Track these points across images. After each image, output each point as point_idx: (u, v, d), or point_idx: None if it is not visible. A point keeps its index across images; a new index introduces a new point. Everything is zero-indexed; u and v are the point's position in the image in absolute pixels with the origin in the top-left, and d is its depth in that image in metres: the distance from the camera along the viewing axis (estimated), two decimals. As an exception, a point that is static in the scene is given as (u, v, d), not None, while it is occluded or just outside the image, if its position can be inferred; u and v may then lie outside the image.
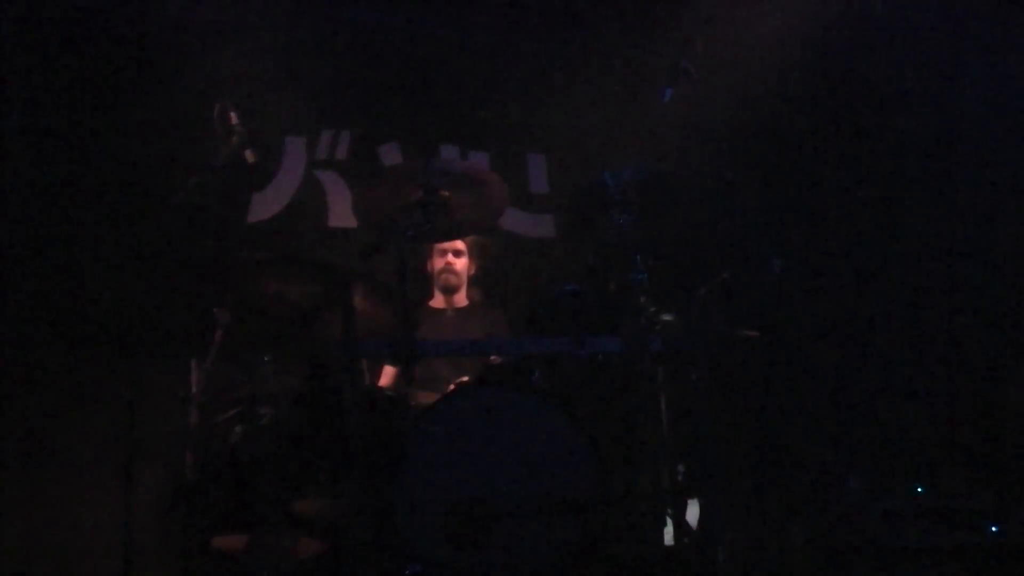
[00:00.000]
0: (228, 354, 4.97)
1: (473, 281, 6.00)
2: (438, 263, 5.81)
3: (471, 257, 5.90)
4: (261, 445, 4.66)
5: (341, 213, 6.53)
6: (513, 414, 4.23)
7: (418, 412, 4.22)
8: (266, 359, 4.93)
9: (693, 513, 4.66)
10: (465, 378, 5.09)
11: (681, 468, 4.78)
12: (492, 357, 5.01)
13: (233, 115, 5.09)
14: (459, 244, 5.81)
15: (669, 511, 4.50)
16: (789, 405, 5.83)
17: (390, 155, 6.78)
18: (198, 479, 4.75)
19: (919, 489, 5.39)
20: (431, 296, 5.98)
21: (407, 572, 4.02)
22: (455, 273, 5.82)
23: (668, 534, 4.50)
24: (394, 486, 4.09)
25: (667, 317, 4.79)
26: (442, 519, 4.08)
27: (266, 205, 6.52)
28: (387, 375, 5.76)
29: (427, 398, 4.77)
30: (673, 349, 4.68)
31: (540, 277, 6.33)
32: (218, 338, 5.02)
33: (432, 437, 4.15)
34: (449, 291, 5.85)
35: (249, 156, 5.09)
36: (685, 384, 4.80)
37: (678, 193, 5.09)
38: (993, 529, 4.87)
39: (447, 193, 4.69)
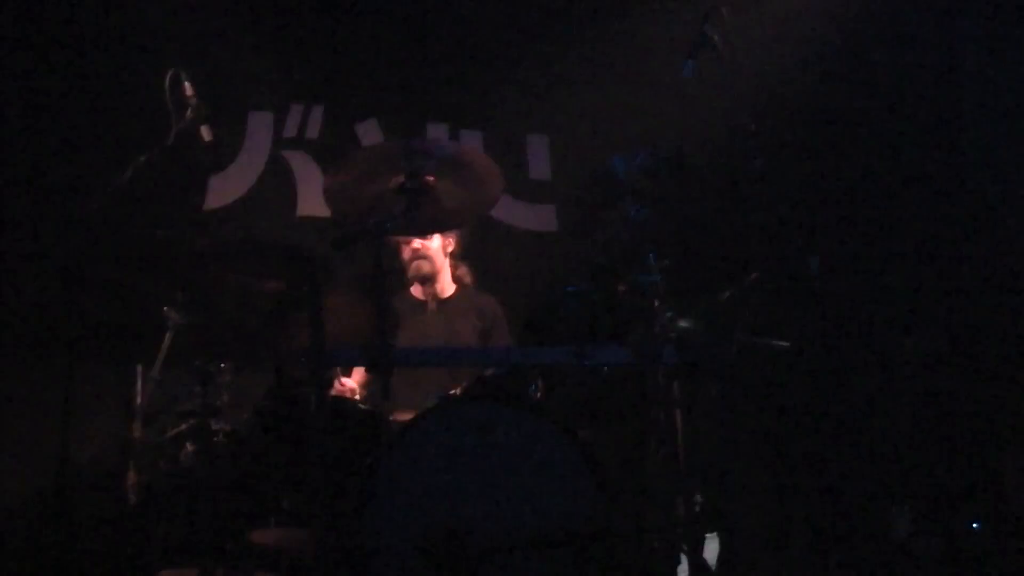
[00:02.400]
0: (179, 360, 4.98)
1: (458, 262, 5.96)
2: (406, 250, 5.78)
3: (445, 234, 5.86)
4: (215, 465, 4.66)
5: (311, 199, 6.54)
6: (504, 433, 4.21)
7: (394, 429, 4.19)
8: (222, 366, 4.92)
9: (712, 550, 4.64)
10: (454, 390, 5.08)
11: (699, 498, 4.77)
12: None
13: (188, 85, 5.06)
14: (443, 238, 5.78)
15: (684, 547, 4.48)
16: (825, 427, 5.83)
17: (369, 134, 6.80)
18: (142, 503, 4.75)
19: (975, 525, 5.39)
20: (405, 286, 5.93)
21: None
22: (427, 258, 5.80)
23: (683, 573, 4.47)
24: (363, 515, 4.07)
25: (685, 324, 4.78)
26: (419, 554, 4.06)
27: (226, 189, 6.53)
28: (358, 373, 5.76)
29: (406, 412, 4.75)
30: (690, 361, 4.67)
31: (539, 276, 6.30)
32: (167, 341, 5.03)
33: (409, 458, 4.12)
34: (425, 280, 5.82)
35: (205, 133, 5.08)
36: (705, 401, 4.80)
37: (699, 183, 5.08)
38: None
39: (432, 179, 4.66)
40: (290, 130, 6.70)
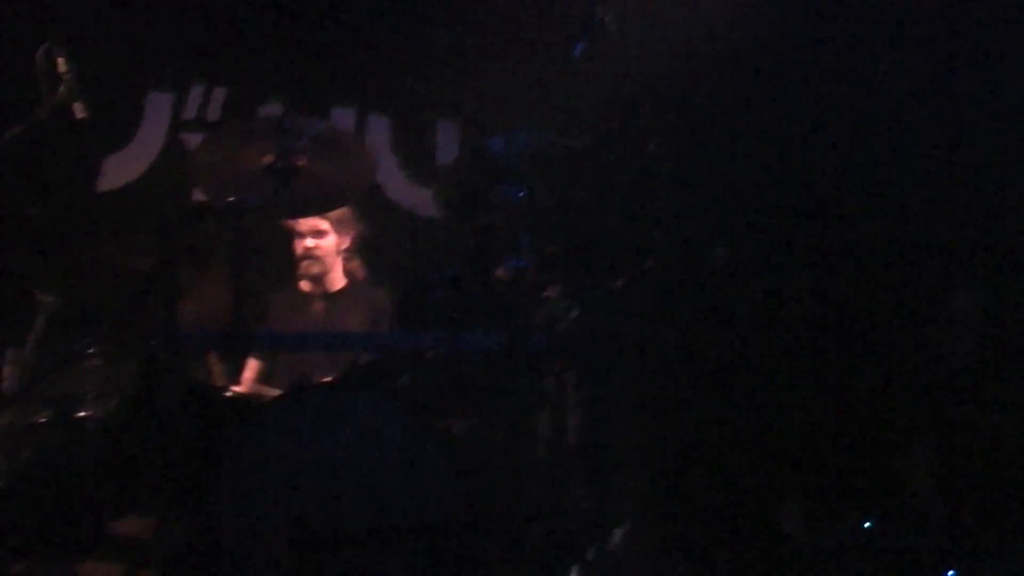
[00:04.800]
0: (49, 345, 4.86)
1: (350, 256, 5.84)
2: (298, 246, 5.65)
3: (340, 232, 5.73)
4: (79, 454, 4.56)
5: (209, 184, 6.37)
6: (364, 422, 4.11)
7: (245, 417, 4.07)
8: (91, 351, 4.79)
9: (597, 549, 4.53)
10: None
11: (583, 493, 4.66)
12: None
13: (61, 60, 4.92)
14: (320, 223, 5.64)
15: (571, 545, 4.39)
16: (719, 420, 5.73)
17: (273, 117, 6.62)
18: (2, 491, 4.62)
19: (867, 524, 5.29)
20: (295, 281, 5.81)
21: None
22: (316, 259, 5.66)
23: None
24: (214, 504, 3.95)
25: (563, 312, 4.67)
26: (273, 546, 3.95)
27: (120, 171, 6.38)
28: (251, 369, 5.64)
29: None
30: (565, 351, 4.56)
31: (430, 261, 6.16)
32: (39, 325, 4.89)
33: (258, 447, 4.00)
34: (314, 279, 5.69)
35: (79, 110, 4.93)
36: (590, 393, 4.70)
37: (585, 167, 4.96)
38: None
39: (303, 160, 4.55)
40: (190, 112, 6.53)
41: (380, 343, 4.54)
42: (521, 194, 4.72)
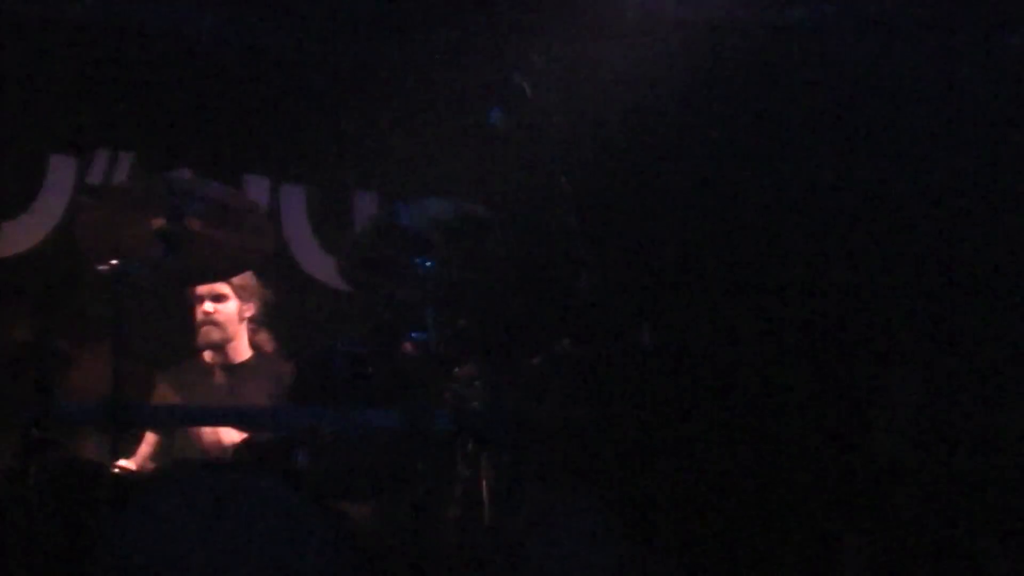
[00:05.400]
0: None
1: (257, 327, 5.55)
2: (198, 311, 5.36)
3: (243, 298, 5.45)
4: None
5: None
6: (252, 506, 3.84)
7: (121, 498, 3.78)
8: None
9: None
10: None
11: None
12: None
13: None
14: (220, 287, 5.37)
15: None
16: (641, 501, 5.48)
17: (182, 185, 6.35)
18: None
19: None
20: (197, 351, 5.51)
21: None
22: (216, 324, 5.37)
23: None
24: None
25: (468, 390, 4.43)
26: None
27: (19, 236, 6.07)
28: (148, 444, 5.34)
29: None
30: (474, 430, 4.31)
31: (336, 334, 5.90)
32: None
33: (134, 532, 3.71)
34: (214, 347, 5.40)
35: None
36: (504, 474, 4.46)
37: (498, 238, 4.74)
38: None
39: (198, 224, 4.30)
40: (96, 176, 6.26)
41: (277, 419, 4.24)
42: (428, 264, 4.48)
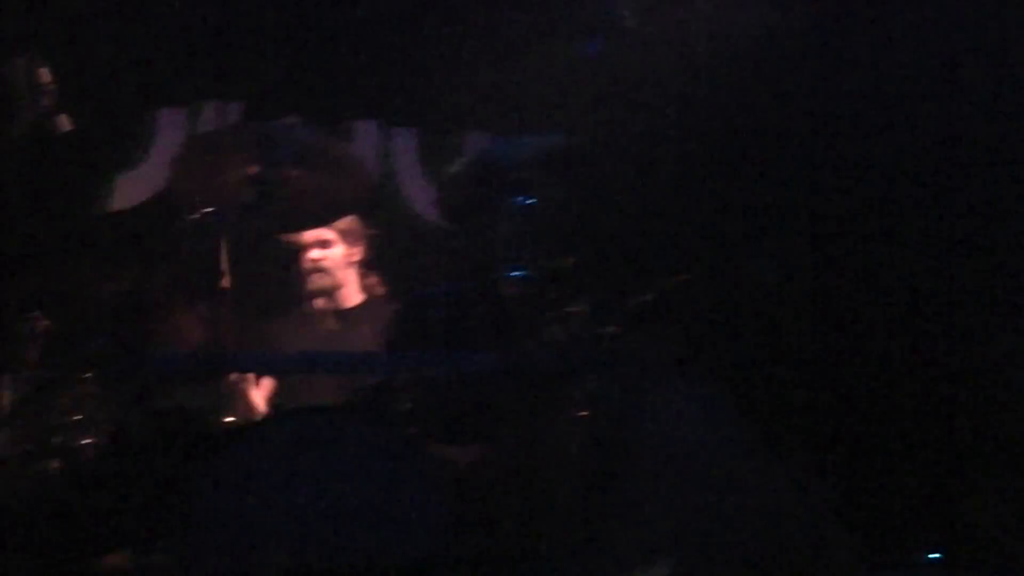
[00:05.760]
0: (43, 369, 4.55)
1: (366, 268, 5.49)
2: (304, 259, 5.31)
3: (349, 243, 5.37)
4: (75, 483, 4.29)
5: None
6: (348, 450, 3.80)
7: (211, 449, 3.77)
8: (85, 376, 4.51)
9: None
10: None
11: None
12: None
13: (43, 72, 4.66)
14: (324, 233, 5.27)
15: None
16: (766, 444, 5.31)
17: (290, 131, 6.34)
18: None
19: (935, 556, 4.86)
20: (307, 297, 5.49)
21: None
22: (324, 271, 5.31)
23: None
24: (180, 544, 3.66)
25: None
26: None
27: (131, 190, 6.10)
28: (262, 393, 5.32)
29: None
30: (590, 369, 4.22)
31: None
32: (33, 349, 4.59)
33: (233, 479, 3.70)
34: (324, 293, 5.36)
35: (63, 123, 4.66)
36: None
37: (601, 172, 4.63)
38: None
39: (292, 172, 4.27)
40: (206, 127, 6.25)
41: (376, 364, 4.19)
42: (528, 201, 4.38)
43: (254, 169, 4.25)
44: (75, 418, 4.41)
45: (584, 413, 4.32)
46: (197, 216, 4.10)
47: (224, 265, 4.12)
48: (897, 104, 5.58)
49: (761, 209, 5.68)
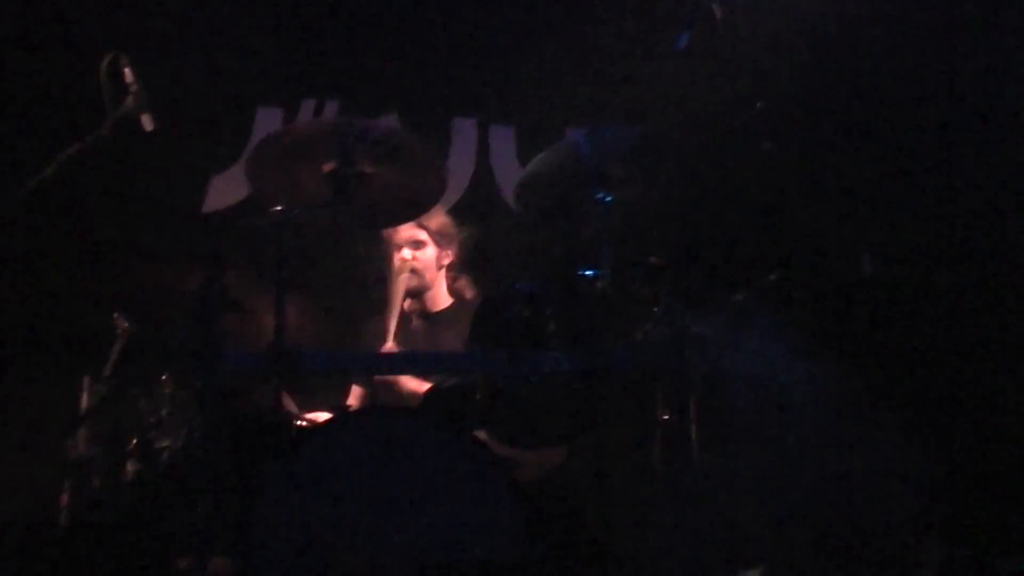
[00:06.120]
0: (125, 371, 4.56)
1: (456, 271, 5.42)
2: (396, 259, 5.25)
3: (441, 245, 5.31)
4: (157, 489, 4.28)
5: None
6: (421, 451, 3.75)
7: (279, 447, 3.72)
8: (163, 377, 4.51)
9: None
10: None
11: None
12: None
13: (128, 71, 4.67)
14: (418, 233, 5.24)
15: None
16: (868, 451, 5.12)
17: (389, 130, 6.29)
18: (73, 526, 4.41)
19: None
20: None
21: None
22: (414, 272, 5.23)
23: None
24: (246, 543, 3.63)
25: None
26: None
27: (228, 190, 6.11)
28: (354, 396, 5.30)
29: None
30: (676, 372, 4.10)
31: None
32: (117, 350, 4.61)
33: (299, 479, 3.66)
34: (413, 294, 5.29)
35: (147, 122, 4.67)
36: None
37: (687, 167, 4.49)
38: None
39: (372, 168, 4.20)
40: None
41: (451, 365, 4.11)
42: (607, 199, 4.27)
43: (330, 165, 4.16)
44: (152, 419, 4.42)
45: (666, 416, 4.22)
46: (275, 214, 4.01)
47: (303, 264, 4.04)
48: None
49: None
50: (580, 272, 4.12)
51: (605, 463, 4.13)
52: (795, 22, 5.31)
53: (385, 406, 4.27)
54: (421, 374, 4.46)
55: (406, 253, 5.26)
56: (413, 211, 4.58)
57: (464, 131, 6.42)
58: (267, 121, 6.29)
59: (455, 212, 5.65)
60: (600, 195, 4.29)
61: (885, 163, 5.50)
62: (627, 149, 4.35)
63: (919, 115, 5.48)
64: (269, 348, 3.87)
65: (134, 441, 4.42)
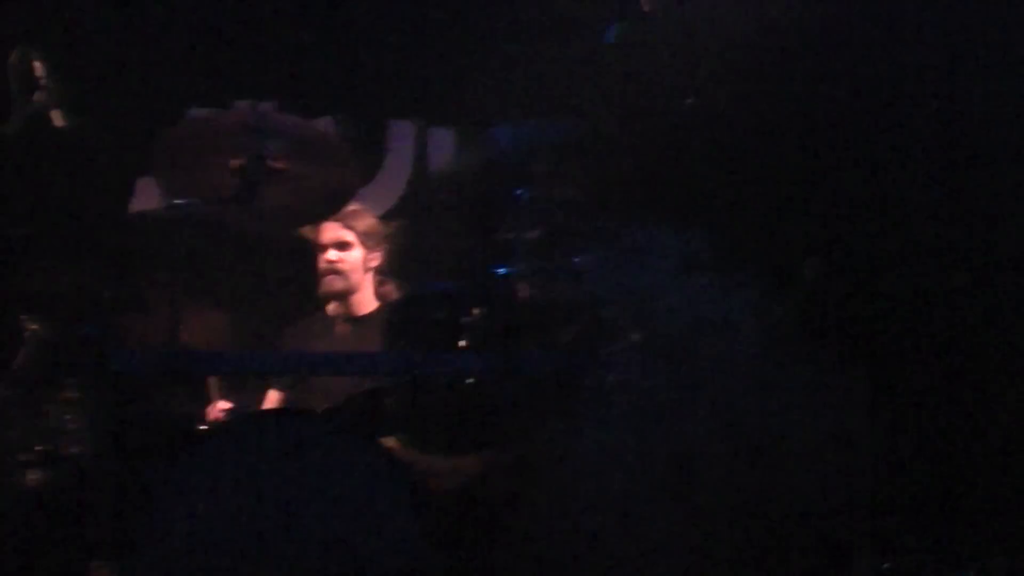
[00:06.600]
0: (31, 374, 4.46)
1: (383, 274, 5.26)
2: (320, 260, 5.10)
3: (368, 247, 5.16)
4: (59, 497, 4.17)
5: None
6: (317, 457, 3.58)
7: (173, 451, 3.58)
8: (70, 380, 4.35)
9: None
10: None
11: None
12: None
13: (38, 65, 4.51)
14: (344, 234, 5.08)
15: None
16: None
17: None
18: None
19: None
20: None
21: None
22: (339, 273, 5.09)
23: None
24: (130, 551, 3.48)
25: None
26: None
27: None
28: (271, 400, 5.14)
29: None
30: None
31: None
32: (24, 354, 4.51)
33: (189, 487, 3.50)
34: (337, 298, 5.13)
35: (57, 119, 4.51)
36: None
37: (614, 162, 4.35)
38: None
39: (282, 163, 4.06)
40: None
41: (357, 365, 3.99)
42: (525, 195, 4.14)
43: (239, 161, 4.02)
44: (56, 424, 4.29)
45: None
46: (176, 207, 3.87)
47: (209, 263, 3.91)
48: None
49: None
50: (497, 271, 3.97)
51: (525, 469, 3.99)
52: (729, 15, 5.18)
53: (289, 409, 4.10)
54: (336, 376, 4.31)
55: (331, 254, 5.11)
56: (329, 207, 4.43)
57: (401, 133, 6.27)
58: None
59: (392, 215, 5.49)
60: (520, 192, 4.15)
61: (830, 161, 5.37)
62: (550, 145, 4.21)
63: (871, 107, 5.35)
64: (164, 348, 3.70)
65: (39, 446, 4.28)
